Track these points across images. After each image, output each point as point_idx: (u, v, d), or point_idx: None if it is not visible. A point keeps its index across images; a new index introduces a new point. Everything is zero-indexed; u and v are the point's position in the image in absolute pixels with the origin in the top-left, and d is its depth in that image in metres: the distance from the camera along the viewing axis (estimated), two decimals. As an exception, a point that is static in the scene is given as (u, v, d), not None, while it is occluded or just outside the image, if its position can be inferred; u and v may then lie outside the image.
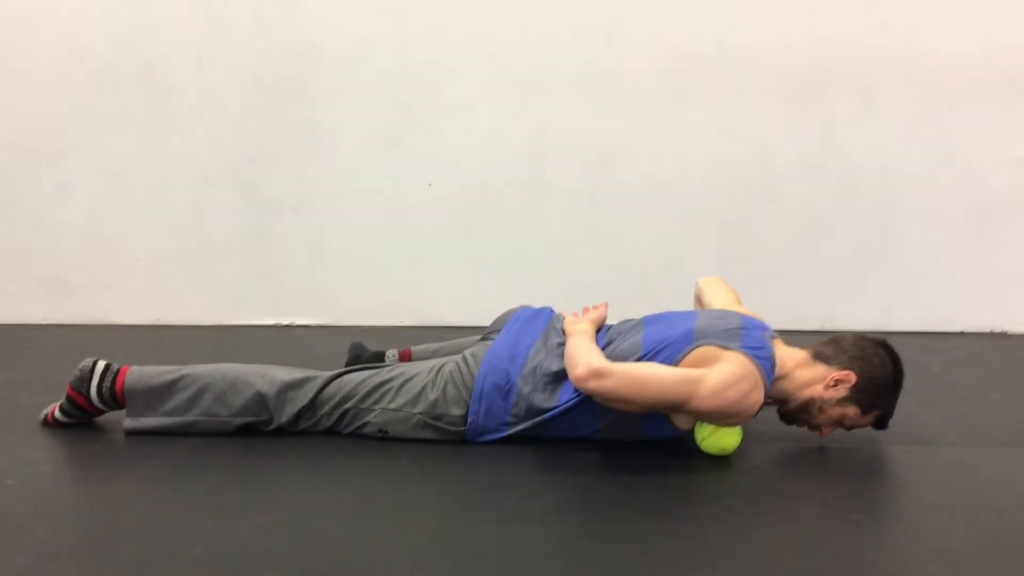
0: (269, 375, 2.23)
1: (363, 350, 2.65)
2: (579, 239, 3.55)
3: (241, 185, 3.57)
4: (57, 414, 2.26)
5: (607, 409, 2.11)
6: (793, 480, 2.13)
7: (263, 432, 2.24)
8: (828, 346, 2.21)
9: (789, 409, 2.20)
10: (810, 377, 2.16)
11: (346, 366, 2.44)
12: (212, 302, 3.63)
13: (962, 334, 3.57)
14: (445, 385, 2.21)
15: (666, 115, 3.46)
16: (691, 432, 2.16)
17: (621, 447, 2.18)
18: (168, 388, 2.21)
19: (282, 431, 2.24)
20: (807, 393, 2.16)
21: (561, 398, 2.15)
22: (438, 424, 2.20)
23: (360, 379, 2.25)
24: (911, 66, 3.40)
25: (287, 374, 2.25)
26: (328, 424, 2.24)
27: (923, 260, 3.54)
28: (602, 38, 3.43)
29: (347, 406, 2.22)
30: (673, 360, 2.07)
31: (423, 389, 2.21)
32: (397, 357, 2.62)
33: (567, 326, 2.31)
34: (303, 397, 2.21)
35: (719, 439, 2.13)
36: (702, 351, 2.05)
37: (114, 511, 1.86)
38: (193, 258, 3.61)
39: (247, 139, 3.53)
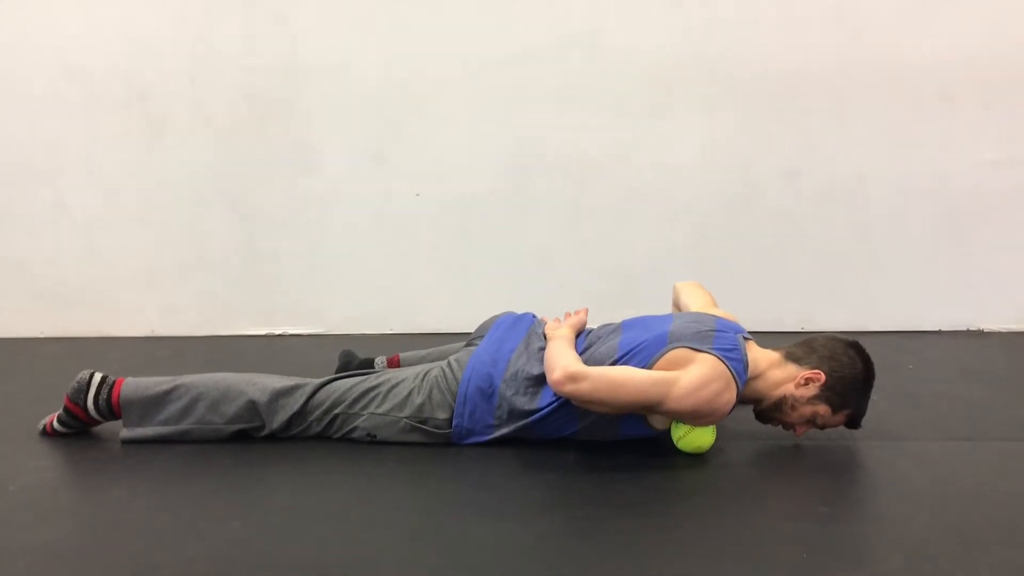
0: (260, 383, 2.31)
1: (353, 357, 2.73)
2: (563, 247, 3.63)
3: (232, 200, 3.64)
4: (55, 424, 2.34)
5: (587, 411, 2.19)
6: (765, 476, 2.21)
7: (255, 438, 2.32)
8: (800, 347, 2.29)
9: (763, 408, 2.28)
10: (782, 376, 2.24)
11: (336, 373, 2.52)
12: (206, 314, 3.70)
13: (938, 332, 3.65)
14: (430, 390, 2.29)
15: (646, 126, 3.54)
16: (668, 432, 2.24)
17: (600, 447, 2.26)
18: (163, 398, 2.29)
19: (274, 437, 2.31)
20: (779, 392, 2.23)
21: (543, 401, 2.23)
22: (424, 428, 2.27)
23: (348, 385, 2.32)
24: (884, 74, 3.49)
25: (278, 382, 2.33)
26: (318, 429, 2.31)
27: (899, 261, 3.62)
28: (582, 52, 3.51)
29: (336, 412, 2.30)
30: (647, 363, 2.14)
31: (409, 394, 2.29)
32: (386, 364, 2.71)
33: (548, 331, 2.38)
34: (294, 404, 2.29)
35: (695, 438, 2.21)
36: (675, 353, 2.13)
37: (110, 516, 1.93)
38: (186, 271, 3.68)
39: (238, 155, 3.60)
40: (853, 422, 2.27)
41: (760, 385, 2.24)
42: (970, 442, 2.36)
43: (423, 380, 2.31)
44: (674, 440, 2.23)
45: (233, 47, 3.52)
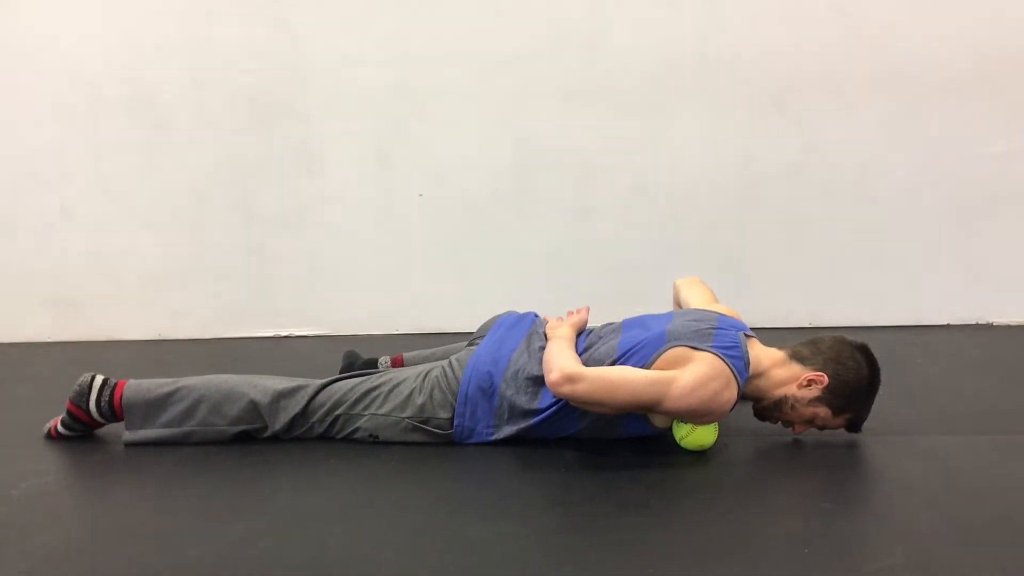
0: (262, 385, 2.31)
1: (356, 357, 2.73)
2: (566, 246, 3.63)
3: (236, 202, 3.65)
4: (60, 427, 2.35)
5: (586, 411, 2.18)
6: (768, 473, 2.19)
7: (258, 440, 2.32)
8: (806, 347, 2.26)
9: (763, 406, 2.26)
10: (785, 376, 2.22)
11: (340, 373, 2.52)
12: (211, 316, 3.72)
13: (947, 327, 3.63)
14: (432, 390, 2.28)
15: (648, 124, 3.53)
16: (669, 430, 2.23)
17: (601, 445, 2.25)
18: (165, 400, 2.29)
19: (276, 438, 2.32)
20: (780, 392, 2.21)
21: (544, 401, 2.22)
22: (426, 428, 2.27)
23: (350, 386, 2.32)
24: (887, 67, 3.47)
25: (279, 383, 2.33)
26: (321, 430, 2.31)
27: (906, 255, 3.60)
28: (584, 51, 3.51)
29: (338, 412, 2.30)
30: (646, 362, 2.13)
31: (411, 394, 2.29)
32: (389, 364, 2.71)
33: (548, 331, 2.38)
34: (295, 405, 2.29)
35: (697, 436, 2.19)
36: (674, 352, 2.12)
37: (113, 517, 1.94)
38: (192, 274, 3.70)
39: (241, 157, 3.62)
40: (853, 426, 2.25)
41: (762, 383, 2.22)
42: (978, 437, 2.34)
43: (424, 380, 2.31)
44: (676, 438, 2.21)
45: (235, 50, 3.54)
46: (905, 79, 3.47)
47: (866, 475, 2.19)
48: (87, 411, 2.30)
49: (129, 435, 2.30)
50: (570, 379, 2.09)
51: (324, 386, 2.33)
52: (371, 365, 2.69)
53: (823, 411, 2.20)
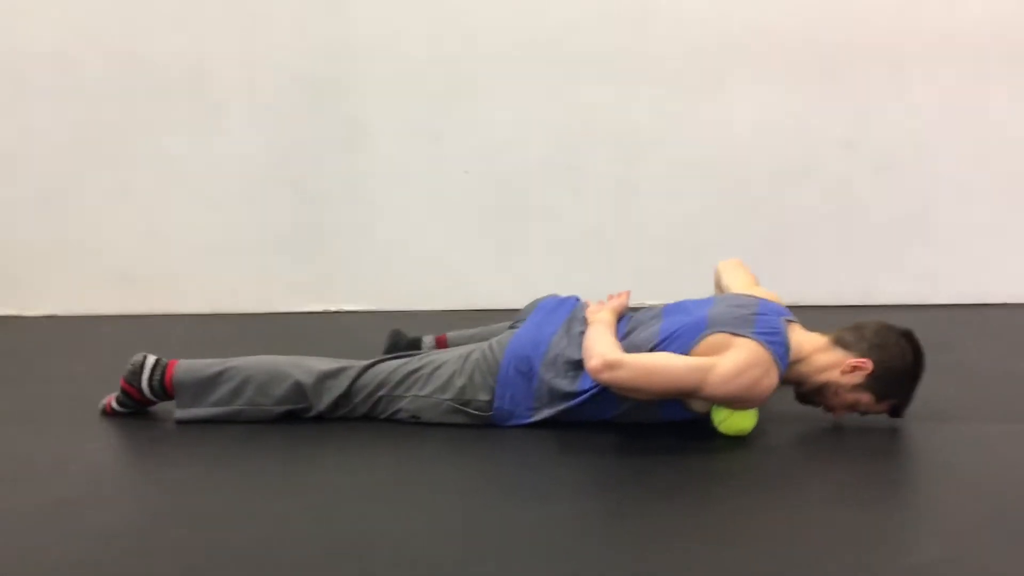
0: (306, 365, 2.36)
1: (401, 337, 2.76)
2: (613, 223, 3.61)
3: (289, 179, 3.71)
4: (115, 404, 2.43)
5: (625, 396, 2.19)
6: (807, 459, 2.18)
7: (304, 419, 2.37)
8: (850, 332, 2.23)
9: (804, 391, 2.25)
10: (828, 362, 2.20)
11: (384, 353, 2.56)
12: (265, 291, 3.80)
13: (1005, 305, 3.53)
14: (472, 372, 2.31)
15: (698, 97, 3.49)
16: (708, 414, 2.22)
17: (640, 429, 2.26)
18: (213, 380, 2.36)
19: (321, 418, 2.37)
20: (823, 377, 2.20)
21: (583, 384, 2.23)
22: (466, 409, 2.30)
23: (392, 368, 2.36)
24: (944, 36, 3.36)
25: (324, 364, 2.37)
26: (364, 411, 2.36)
27: (962, 232, 3.51)
28: (633, 23, 3.46)
29: (381, 394, 2.34)
30: (686, 348, 2.13)
31: (451, 376, 2.32)
32: (433, 343, 2.73)
33: (589, 315, 2.38)
34: (339, 386, 2.34)
35: (736, 421, 2.18)
36: (714, 339, 2.11)
37: (164, 494, 2.00)
38: (246, 250, 3.78)
39: (293, 135, 3.67)
40: (896, 412, 2.22)
41: (803, 369, 2.21)
42: (1031, 425, 2.28)
43: (465, 362, 2.33)
44: (715, 423, 2.21)
45: (285, 28, 3.57)
46: (962, 48, 3.35)
47: (909, 463, 2.16)
48: (140, 390, 2.38)
49: (180, 413, 2.37)
50: (610, 366, 2.09)
51: (367, 367, 2.37)
52: (415, 345, 2.71)
53: (866, 397, 2.18)
